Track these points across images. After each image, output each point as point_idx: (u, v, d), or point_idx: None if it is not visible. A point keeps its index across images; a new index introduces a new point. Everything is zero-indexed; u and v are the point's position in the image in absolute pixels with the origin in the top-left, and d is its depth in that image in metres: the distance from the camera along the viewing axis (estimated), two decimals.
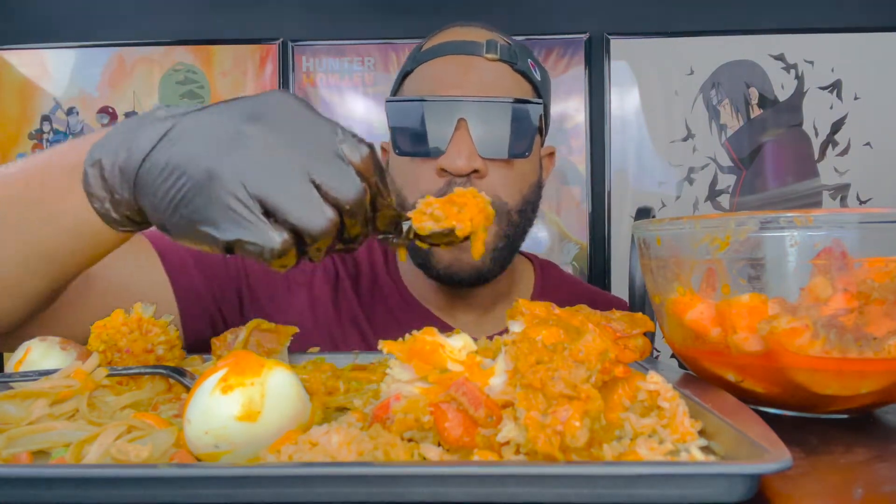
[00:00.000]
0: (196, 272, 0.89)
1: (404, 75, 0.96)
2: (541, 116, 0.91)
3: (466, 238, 0.55)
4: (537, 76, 0.94)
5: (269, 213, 0.45)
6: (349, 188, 0.46)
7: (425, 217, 0.54)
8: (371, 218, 0.50)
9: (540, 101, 0.88)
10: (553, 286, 1.06)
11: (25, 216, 0.56)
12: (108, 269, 0.76)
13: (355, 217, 0.47)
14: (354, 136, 0.48)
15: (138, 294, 0.77)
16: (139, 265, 0.83)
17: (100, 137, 0.53)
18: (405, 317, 0.96)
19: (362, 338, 0.94)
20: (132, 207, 0.51)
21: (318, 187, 0.46)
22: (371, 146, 0.49)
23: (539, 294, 1.04)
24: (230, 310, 0.93)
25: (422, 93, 0.90)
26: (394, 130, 0.89)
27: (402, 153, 0.89)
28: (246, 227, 0.45)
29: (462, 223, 0.54)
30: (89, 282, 0.74)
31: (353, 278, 0.99)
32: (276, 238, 0.45)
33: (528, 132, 0.87)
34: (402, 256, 0.58)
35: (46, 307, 0.66)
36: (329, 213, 0.46)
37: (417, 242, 0.54)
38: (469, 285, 0.93)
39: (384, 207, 0.50)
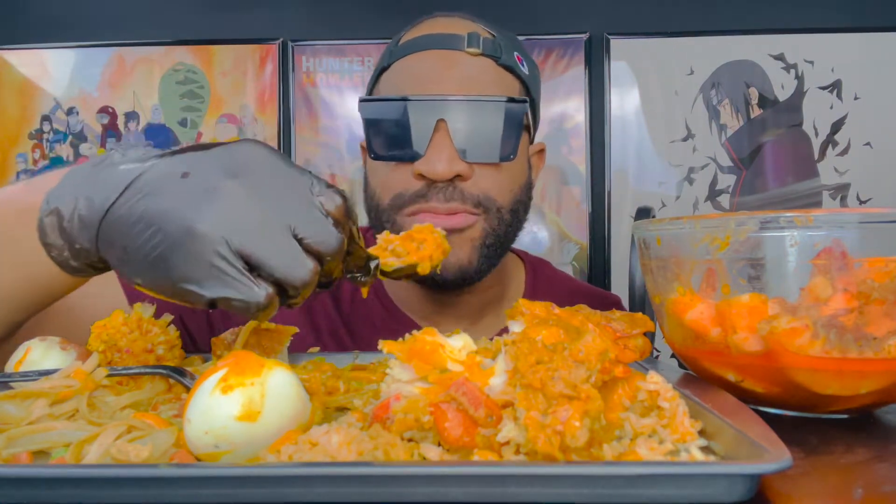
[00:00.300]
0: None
1: (381, 71, 0.89)
2: (527, 115, 0.85)
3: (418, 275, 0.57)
4: (525, 70, 0.88)
5: (252, 268, 0.45)
6: (330, 240, 0.46)
7: (387, 253, 0.55)
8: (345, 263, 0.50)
9: (526, 99, 0.82)
10: (545, 287, 1.01)
11: None
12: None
13: (336, 265, 0.47)
14: (330, 186, 0.48)
15: (93, 314, 0.70)
16: (94, 283, 0.75)
17: (54, 184, 0.50)
18: (388, 328, 0.91)
19: (342, 350, 0.88)
20: (93, 257, 0.49)
21: (299, 240, 0.45)
22: (344, 195, 0.48)
23: (530, 296, 0.98)
24: (196, 324, 0.88)
25: (398, 91, 0.84)
26: (368, 132, 0.83)
27: (377, 157, 0.83)
28: (231, 285, 0.44)
29: (422, 261, 0.55)
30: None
31: (332, 292, 0.93)
32: (260, 294, 0.44)
33: (513, 133, 0.81)
34: (366, 293, 0.57)
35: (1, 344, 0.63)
36: (311, 265, 0.45)
37: (381, 277, 0.55)
38: (455, 287, 0.87)
39: (356, 250, 0.50)
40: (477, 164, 0.82)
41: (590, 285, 1.17)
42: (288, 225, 0.45)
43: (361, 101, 0.83)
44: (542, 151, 0.98)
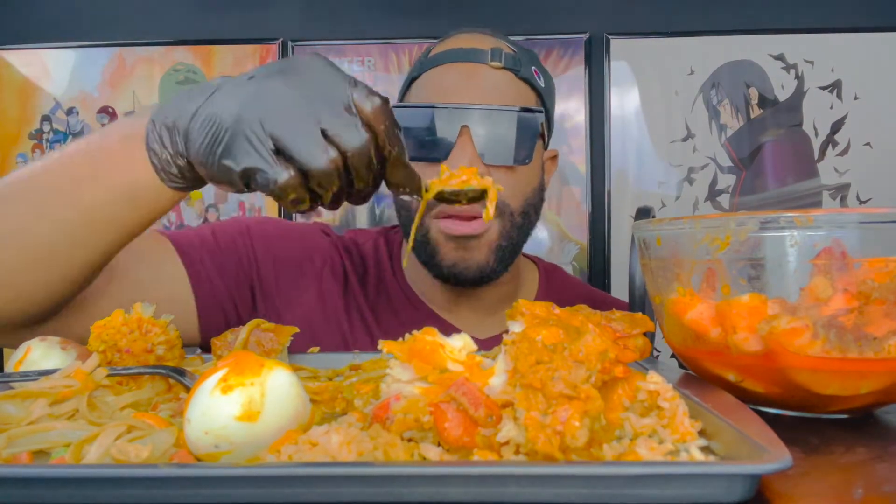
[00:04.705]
0: (212, 267, 0.91)
1: (411, 80, 0.98)
2: (542, 123, 0.93)
3: (477, 199, 0.62)
4: (541, 83, 0.96)
5: (280, 153, 0.52)
6: (352, 135, 0.52)
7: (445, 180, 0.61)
8: (378, 170, 0.55)
9: (541, 110, 0.90)
10: (557, 289, 1.07)
11: (80, 190, 0.62)
12: (130, 265, 0.80)
13: (360, 164, 0.53)
14: (367, 88, 0.54)
15: (158, 289, 0.83)
16: (160, 262, 0.86)
17: (156, 109, 0.61)
18: (408, 315, 0.98)
19: (367, 333, 0.96)
20: (183, 160, 0.59)
21: (324, 132, 0.52)
22: (384, 99, 0.54)
23: (543, 297, 1.05)
24: (244, 306, 0.95)
25: (427, 99, 0.92)
26: None
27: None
28: (258, 160, 0.52)
29: (479, 182, 0.61)
30: (112, 277, 0.77)
31: (360, 276, 1.01)
32: (282, 172, 0.52)
33: (529, 140, 0.89)
34: (406, 262, 0.62)
35: (86, 285, 0.69)
36: (331, 154, 0.52)
37: (436, 199, 0.60)
38: (473, 284, 0.94)
39: (393, 159, 0.55)
40: (494, 167, 0.89)
41: (602, 292, 1.21)
42: (317, 118, 0.52)
43: (393, 107, 0.88)
44: (555, 157, 1.05)
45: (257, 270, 0.96)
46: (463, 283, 0.93)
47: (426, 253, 0.92)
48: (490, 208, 0.62)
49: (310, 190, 0.54)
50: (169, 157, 0.60)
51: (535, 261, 1.12)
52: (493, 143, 0.87)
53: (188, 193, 0.64)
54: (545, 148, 1.01)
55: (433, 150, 0.88)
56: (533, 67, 0.96)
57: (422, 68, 0.96)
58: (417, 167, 0.87)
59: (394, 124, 0.55)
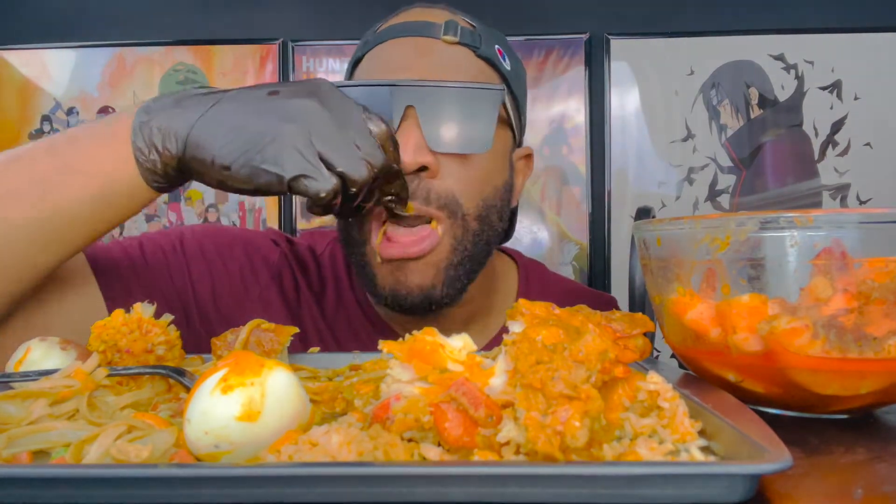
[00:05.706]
0: (136, 287, 0.81)
1: (355, 63, 0.86)
2: (506, 108, 0.81)
3: None
4: (506, 65, 0.83)
5: (323, 163, 0.59)
6: (377, 154, 0.61)
7: None
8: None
9: (502, 87, 0.76)
10: (536, 293, 0.94)
11: (46, 190, 0.62)
12: (40, 291, 0.71)
13: (378, 177, 0.62)
14: (377, 115, 0.63)
15: (69, 315, 0.74)
16: (73, 286, 0.76)
17: (139, 111, 0.63)
18: (369, 337, 0.87)
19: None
20: (174, 162, 0.63)
21: (357, 149, 0.60)
22: (387, 123, 0.64)
23: None
24: (178, 326, 0.86)
25: (368, 78, 0.80)
26: None
27: None
28: (308, 169, 0.59)
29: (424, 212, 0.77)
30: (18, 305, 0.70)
31: (316, 293, 0.91)
32: (331, 179, 0.59)
33: (484, 123, 0.75)
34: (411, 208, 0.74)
35: (27, 293, 0.67)
36: (367, 168, 0.61)
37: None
38: (421, 312, 0.80)
39: (396, 172, 0.65)
40: (445, 156, 0.76)
41: (584, 286, 1.15)
42: (352, 138, 0.60)
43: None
44: (529, 157, 0.92)
45: (193, 289, 0.86)
46: (408, 310, 0.80)
47: (366, 277, 0.81)
48: (438, 228, 0.74)
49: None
50: (157, 158, 0.62)
51: (515, 257, 0.99)
52: (444, 126, 0.74)
53: (158, 196, 0.67)
54: (517, 144, 0.88)
55: None
56: (497, 46, 0.82)
57: (366, 47, 0.84)
58: None
59: (396, 143, 0.64)
